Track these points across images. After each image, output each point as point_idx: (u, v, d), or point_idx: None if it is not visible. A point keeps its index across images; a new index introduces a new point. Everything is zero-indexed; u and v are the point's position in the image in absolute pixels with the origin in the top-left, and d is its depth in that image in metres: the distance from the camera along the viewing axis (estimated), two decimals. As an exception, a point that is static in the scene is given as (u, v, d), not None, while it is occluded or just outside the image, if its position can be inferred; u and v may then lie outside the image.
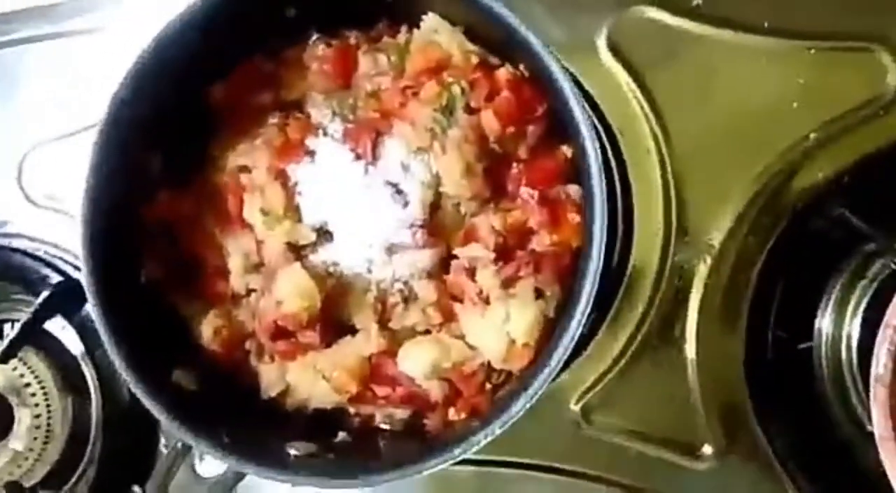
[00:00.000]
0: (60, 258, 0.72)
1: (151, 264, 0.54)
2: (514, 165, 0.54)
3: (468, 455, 0.63)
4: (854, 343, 0.62)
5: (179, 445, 0.48)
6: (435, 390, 0.53)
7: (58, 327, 0.72)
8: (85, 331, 0.70)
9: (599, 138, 0.53)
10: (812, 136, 0.62)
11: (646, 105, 0.65)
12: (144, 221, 0.54)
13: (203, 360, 0.54)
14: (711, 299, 0.63)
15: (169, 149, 0.55)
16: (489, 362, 0.53)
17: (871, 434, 0.51)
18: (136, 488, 0.48)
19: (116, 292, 0.50)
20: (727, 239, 0.63)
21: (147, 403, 0.47)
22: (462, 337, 0.53)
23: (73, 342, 0.72)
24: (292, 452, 0.49)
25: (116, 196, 0.51)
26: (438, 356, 0.53)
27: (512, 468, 0.64)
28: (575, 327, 0.45)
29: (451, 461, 0.45)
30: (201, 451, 0.46)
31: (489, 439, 0.45)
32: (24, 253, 0.72)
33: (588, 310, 0.45)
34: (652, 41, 0.64)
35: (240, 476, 0.48)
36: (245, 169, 0.54)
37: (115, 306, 0.49)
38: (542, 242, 0.53)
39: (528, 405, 0.45)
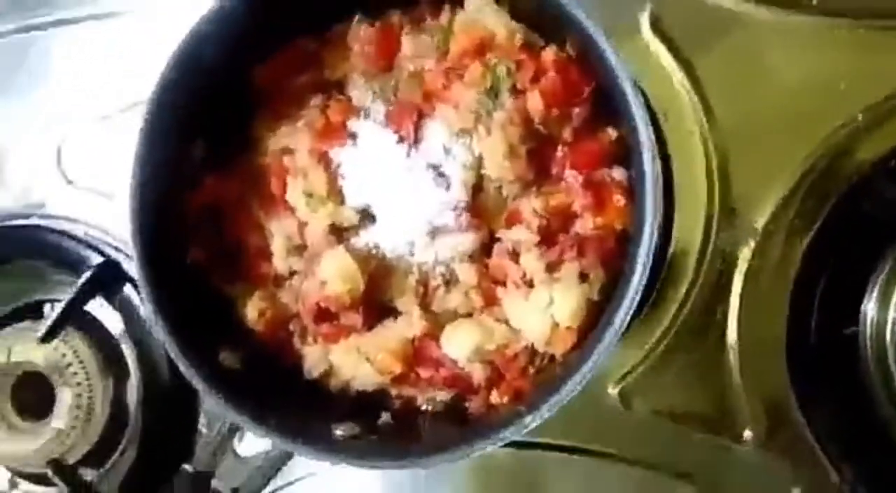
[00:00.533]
0: (100, 239, 0.72)
1: (196, 247, 0.54)
2: (559, 147, 0.53)
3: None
4: (900, 329, 0.61)
5: (226, 425, 0.48)
6: (477, 373, 0.53)
7: (98, 307, 0.73)
8: (125, 311, 0.71)
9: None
10: (860, 116, 0.61)
11: (689, 86, 0.64)
12: (190, 205, 0.54)
13: (247, 341, 0.54)
14: (754, 283, 0.62)
15: (213, 131, 0.54)
16: (532, 346, 0.53)
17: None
18: (186, 466, 0.49)
19: (163, 275, 0.50)
20: (772, 222, 0.62)
21: (197, 383, 0.47)
22: (505, 320, 0.53)
23: (113, 323, 0.73)
24: (337, 432, 0.49)
25: (162, 179, 0.51)
26: (481, 339, 0.52)
27: (549, 451, 0.64)
28: (626, 309, 0.45)
29: (498, 444, 0.45)
30: (249, 430, 0.47)
31: (537, 422, 0.45)
32: (64, 234, 0.72)
33: (638, 295, 0.45)
34: (695, 21, 0.63)
35: (287, 456, 0.48)
36: (288, 151, 0.54)
37: (162, 289, 0.49)
38: (585, 225, 0.53)
39: (576, 390, 0.45)
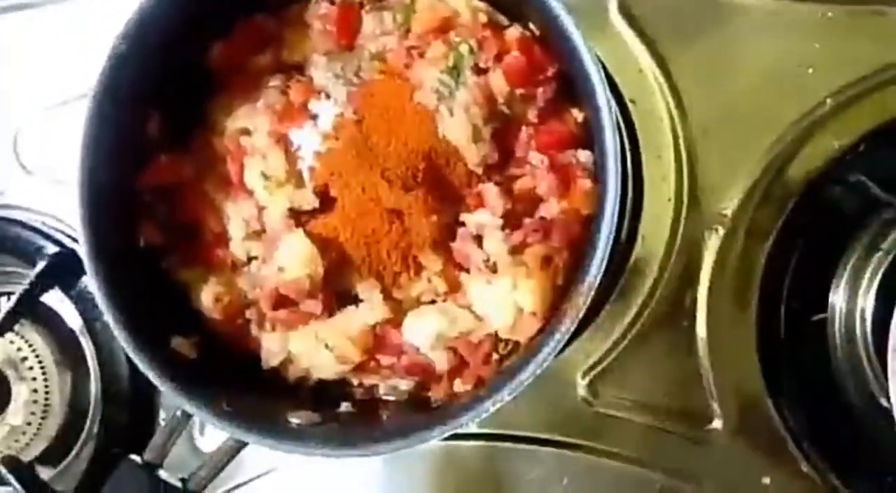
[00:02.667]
0: (57, 229, 0.70)
1: (150, 229, 0.52)
2: (524, 129, 0.52)
3: (475, 429, 0.63)
4: (868, 316, 0.60)
5: (179, 413, 0.47)
6: (440, 361, 0.52)
7: (56, 300, 0.71)
8: (83, 304, 0.69)
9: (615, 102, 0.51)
10: (828, 102, 0.60)
11: (659, 73, 0.63)
12: (143, 185, 0.52)
13: (203, 328, 0.52)
14: (723, 272, 0.61)
15: (167, 111, 0.53)
16: (496, 333, 0.52)
17: (884, 408, 0.49)
18: (133, 456, 0.47)
19: (114, 257, 0.48)
20: (740, 209, 0.61)
21: (145, 369, 0.46)
22: (469, 307, 0.52)
23: (71, 316, 0.71)
24: (294, 421, 0.48)
25: (113, 158, 0.49)
26: (444, 326, 0.51)
27: (518, 443, 0.63)
28: (587, 290, 0.44)
29: (458, 429, 0.43)
30: (200, 418, 0.45)
31: (497, 406, 0.44)
32: (21, 224, 0.70)
33: (600, 275, 0.44)
34: (665, 7, 0.63)
35: (240, 446, 0.47)
36: (245, 132, 0.53)
37: (112, 272, 0.48)
38: (550, 209, 0.52)
39: (537, 372, 0.43)
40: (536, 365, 0.43)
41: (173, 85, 0.52)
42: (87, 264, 0.47)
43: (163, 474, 0.47)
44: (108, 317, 0.46)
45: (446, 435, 0.45)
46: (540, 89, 0.51)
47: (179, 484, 0.48)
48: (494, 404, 0.43)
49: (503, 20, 0.52)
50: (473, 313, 0.52)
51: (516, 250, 0.51)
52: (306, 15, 0.54)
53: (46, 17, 0.72)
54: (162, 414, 0.69)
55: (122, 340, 0.46)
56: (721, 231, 0.61)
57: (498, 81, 0.50)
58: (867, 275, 0.60)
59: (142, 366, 0.46)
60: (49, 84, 0.71)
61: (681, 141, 0.62)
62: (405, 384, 0.53)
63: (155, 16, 0.47)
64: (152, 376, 0.45)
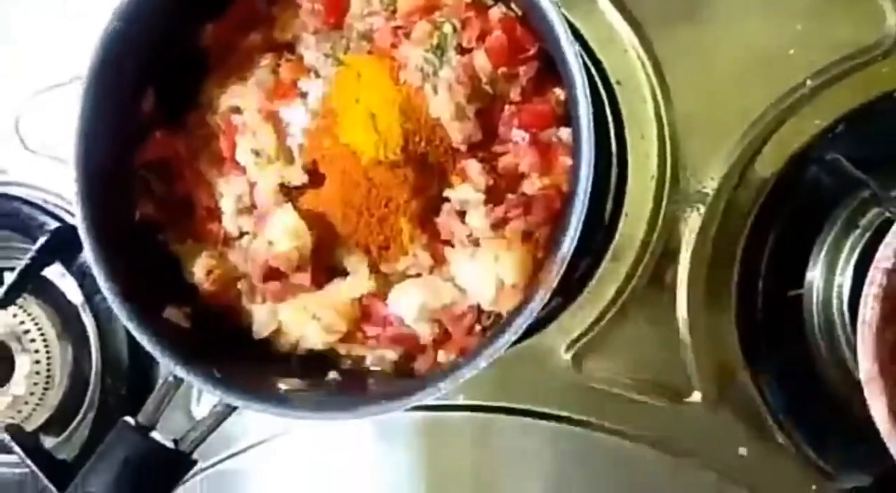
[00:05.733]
0: (58, 205, 0.72)
1: (146, 204, 0.54)
2: (507, 107, 0.54)
3: (466, 400, 0.65)
4: (846, 293, 0.62)
5: (171, 378, 0.49)
6: (425, 332, 0.54)
7: (57, 274, 0.73)
8: (84, 278, 0.71)
9: (592, 81, 0.52)
10: (808, 82, 0.61)
11: (643, 54, 0.64)
12: (139, 160, 0.54)
13: (196, 299, 0.54)
14: (703, 248, 0.63)
15: (162, 87, 0.54)
16: (479, 305, 0.53)
17: (858, 381, 0.51)
18: (127, 418, 0.49)
19: (110, 231, 0.50)
20: (720, 188, 0.62)
21: (138, 335, 0.47)
22: (452, 280, 0.54)
23: (72, 290, 0.73)
24: (282, 386, 0.49)
25: (109, 134, 0.51)
26: (428, 298, 0.53)
27: (504, 414, 0.65)
28: (559, 264, 0.45)
29: (437, 394, 0.45)
30: (190, 381, 0.47)
31: (473, 372, 0.45)
32: (22, 201, 0.72)
33: (572, 247, 0.45)
34: (649, -11, 0.64)
35: (230, 410, 0.48)
36: (237, 110, 0.54)
37: (108, 245, 0.49)
38: (532, 185, 0.53)
39: (511, 339, 0.45)
40: (511, 334, 0.45)
41: (168, 63, 0.54)
42: (83, 236, 0.49)
43: (155, 435, 0.49)
44: (103, 286, 0.48)
45: (433, 402, 0.46)
46: (522, 68, 0.52)
47: (172, 445, 0.49)
48: (470, 370, 0.45)
49: (488, 0, 0.53)
50: (457, 285, 0.54)
51: (498, 225, 0.52)
52: (296, -7, 0.55)
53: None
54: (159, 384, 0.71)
55: (115, 308, 0.48)
56: (702, 209, 0.63)
57: (481, 61, 0.51)
58: (844, 252, 0.62)
59: (136, 333, 0.47)
60: (51, 64, 0.73)
61: (664, 120, 0.63)
62: (391, 355, 0.55)
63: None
64: (145, 341, 0.47)
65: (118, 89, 0.51)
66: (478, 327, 0.54)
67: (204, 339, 0.53)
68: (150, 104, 0.54)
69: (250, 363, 0.54)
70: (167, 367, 0.48)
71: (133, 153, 0.54)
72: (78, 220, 0.50)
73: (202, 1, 0.53)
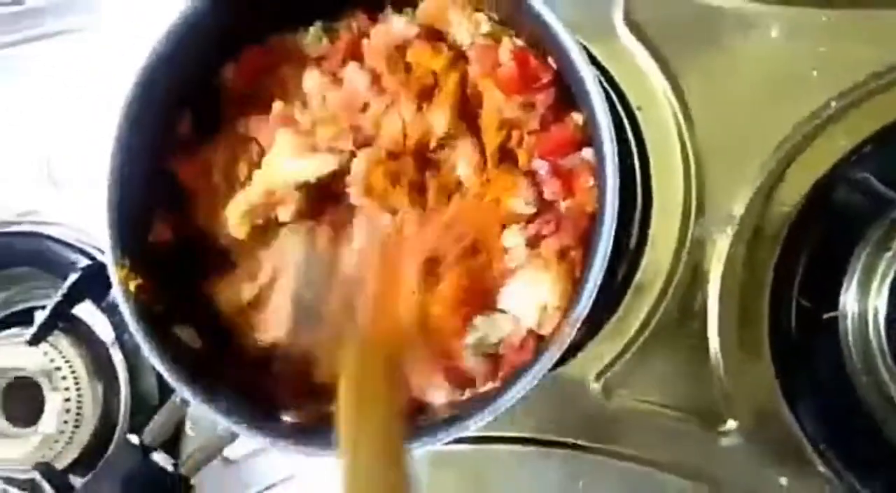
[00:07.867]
0: (89, 244, 0.73)
1: (161, 227, 0.55)
2: (526, 137, 0.54)
3: (489, 432, 0.64)
4: (881, 315, 0.60)
5: (178, 400, 0.48)
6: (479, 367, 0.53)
7: (88, 312, 0.73)
8: (114, 316, 0.72)
9: (612, 105, 0.52)
10: (833, 104, 0.61)
11: (664, 80, 0.64)
12: (183, 174, 0.55)
13: (210, 322, 0.54)
14: (733, 273, 0.62)
15: (196, 115, 0.55)
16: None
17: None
18: (131, 436, 0.48)
19: (134, 255, 0.50)
20: (748, 211, 0.62)
21: (152, 356, 0.47)
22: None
23: (102, 328, 0.73)
24: (286, 419, 0.49)
25: (142, 157, 0.51)
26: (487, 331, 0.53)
27: (533, 445, 0.64)
28: (591, 289, 0.45)
29: (436, 444, 0.44)
30: (196, 405, 0.46)
31: (478, 424, 0.44)
32: (53, 239, 0.73)
33: (602, 270, 0.45)
34: (668, 13, 0.64)
35: (232, 437, 0.48)
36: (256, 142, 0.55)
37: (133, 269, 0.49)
38: (559, 205, 0.53)
39: (542, 373, 0.44)
40: (542, 366, 0.44)
41: (202, 91, 0.55)
42: (110, 259, 0.49)
43: (156, 456, 0.48)
44: (123, 308, 0.48)
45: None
46: (539, 96, 0.52)
47: (171, 468, 0.49)
48: (476, 423, 0.44)
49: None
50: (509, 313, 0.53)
51: (532, 243, 0.52)
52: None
53: (83, 41, 0.75)
54: (189, 423, 0.70)
55: (132, 327, 0.48)
56: (730, 233, 0.62)
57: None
58: (878, 275, 0.60)
59: (149, 353, 0.47)
60: (82, 104, 0.74)
61: (688, 145, 0.63)
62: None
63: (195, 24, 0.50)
64: (155, 360, 0.47)
65: (155, 113, 0.51)
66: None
67: (212, 360, 0.52)
68: (187, 127, 0.55)
69: (258, 392, 0.53)
70: (179, 392, 0.47)
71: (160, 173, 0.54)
72: (105, 245, 0.49)
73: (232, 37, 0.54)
